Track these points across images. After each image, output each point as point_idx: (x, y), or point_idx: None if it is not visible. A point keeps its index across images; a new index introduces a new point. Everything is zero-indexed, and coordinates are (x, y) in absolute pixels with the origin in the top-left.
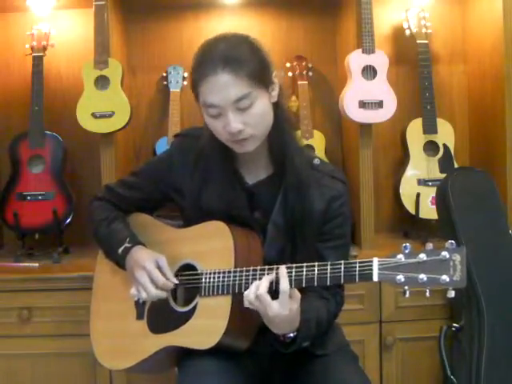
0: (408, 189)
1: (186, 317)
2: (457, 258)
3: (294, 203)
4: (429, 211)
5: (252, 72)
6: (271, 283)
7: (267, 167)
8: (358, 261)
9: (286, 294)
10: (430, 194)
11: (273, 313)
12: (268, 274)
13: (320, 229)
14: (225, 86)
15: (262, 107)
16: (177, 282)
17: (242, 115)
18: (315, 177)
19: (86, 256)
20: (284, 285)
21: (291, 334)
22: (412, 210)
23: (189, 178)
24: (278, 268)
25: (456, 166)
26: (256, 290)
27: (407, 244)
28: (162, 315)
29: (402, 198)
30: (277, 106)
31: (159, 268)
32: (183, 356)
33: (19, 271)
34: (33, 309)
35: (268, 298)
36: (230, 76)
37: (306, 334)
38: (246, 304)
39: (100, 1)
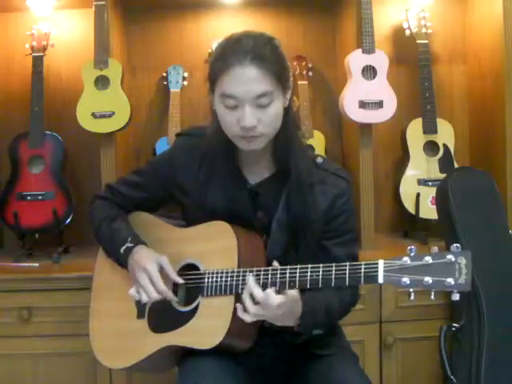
0: (408, 189)
1: (188, 316)
2: (462, 261)
3: (297, 202)
4: (429, 211)
5: (276, 72)
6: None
7: (270, 166)
8: (363, 263)
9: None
10: (430, 193)
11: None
12: (272, 275)
13: (325, 227)
14: (250, 80)
15: (277, 108)
16: (182, 281)
17: (258, 112)
18: (319, 175)
19: (85, 256)
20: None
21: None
22: (412, 210)
23: (193, 178)
24: (281, 269)
25: (456, 165)
26: (252, 300)
27: (413, 247)
28: (163, 314)
29: (402, 197)
30: (286, 109)
31: (162, 269)
32: (184, 355)
33: (19, 271)
34: (33, 309)
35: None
36: (258, 71)
37: (313, 321)
38: (248, 319)
39: (100, 1)
